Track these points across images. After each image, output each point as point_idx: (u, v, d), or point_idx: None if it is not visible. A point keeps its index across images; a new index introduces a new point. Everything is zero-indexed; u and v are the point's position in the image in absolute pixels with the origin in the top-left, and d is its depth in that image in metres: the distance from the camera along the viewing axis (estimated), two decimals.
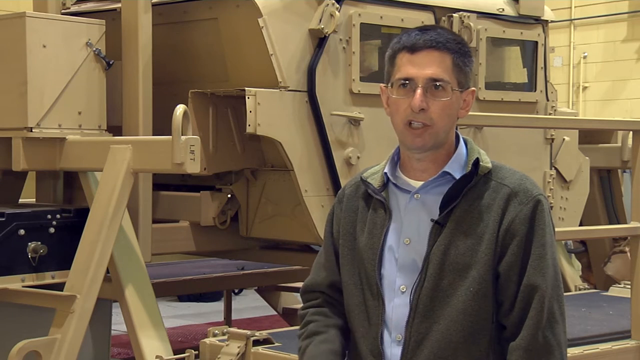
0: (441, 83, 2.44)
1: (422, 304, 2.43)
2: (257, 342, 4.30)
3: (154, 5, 5.05)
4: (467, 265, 2.42)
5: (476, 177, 2.48)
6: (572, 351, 4.44)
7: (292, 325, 6.86)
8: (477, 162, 2.49)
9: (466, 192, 2.46)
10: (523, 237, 2.42)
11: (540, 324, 2.40)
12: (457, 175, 2.48)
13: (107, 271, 4.47)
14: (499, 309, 2.44)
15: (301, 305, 2.74)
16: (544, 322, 2.40)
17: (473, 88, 2.55)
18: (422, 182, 2.50)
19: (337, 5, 5.00)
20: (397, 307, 2.47)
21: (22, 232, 4.48)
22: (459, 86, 2.47)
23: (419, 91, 2.43)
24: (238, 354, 4.24)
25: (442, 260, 2.43)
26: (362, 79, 5.14)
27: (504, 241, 2.43)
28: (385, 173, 2.55)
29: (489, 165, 2.50)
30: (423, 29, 2.51)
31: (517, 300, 2.42)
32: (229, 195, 5.35)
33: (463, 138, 2.56)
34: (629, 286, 4.96)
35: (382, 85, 2.55)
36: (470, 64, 2.51)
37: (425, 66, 2.44)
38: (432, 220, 2.46)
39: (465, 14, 5.55)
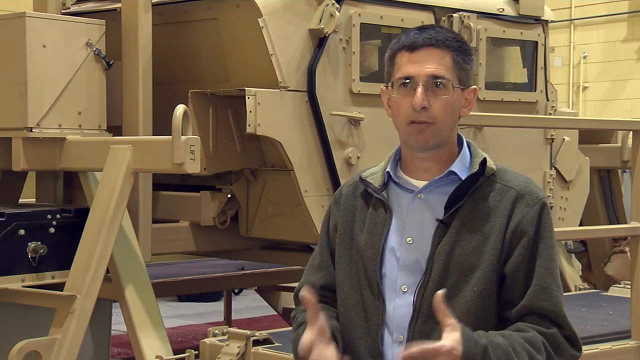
0: (442, 80, 2.42)
1: (426, 304, 2.40)
2: (257, 342, 4.30)
3: (154, 5, 5.05)
4: (473, 265, 2.41)
5: (481, 178, 2.47)
6: None
7: (292, 325, 6.84)
8: (484, 163, 2.48)
9: (471, 192, 2.45)
10: (531, 238, 2.42)
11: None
12: (463, 176, 2.47)
13: (107, 271, 4.47)
14: (505, 308, 2.43)
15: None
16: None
17: (475, 86, 2.53)
18: (424, 182, 2.49)
19: (337, 5, 4.99)
20: (398, 307, 2.44)
21: (22, 232, 4.47)
22: (460, 84, 2.46)
23: (419, 89, 2.41)
24: (238, 354, 4.24)
25: (447, 260, 2.41)
26: (362, 79, 5.13)
27: (511, 242, 2.42)
28: (388, 172, 2.53)
29: (494, 167, 2.50)
30: (422, 28, 2.50)
31: (526, 299, 2.41)
32: (229, 195, 5.34)
33: (466, 140, 2.56)
34: (629, 286, 4.96)
35: (383, 86, 2.53)
36: (470, 62, 2.50)
37: (425, 64, 2.42)
38: (437, 219, 2.44)
39: (465, 14, 5.54)
